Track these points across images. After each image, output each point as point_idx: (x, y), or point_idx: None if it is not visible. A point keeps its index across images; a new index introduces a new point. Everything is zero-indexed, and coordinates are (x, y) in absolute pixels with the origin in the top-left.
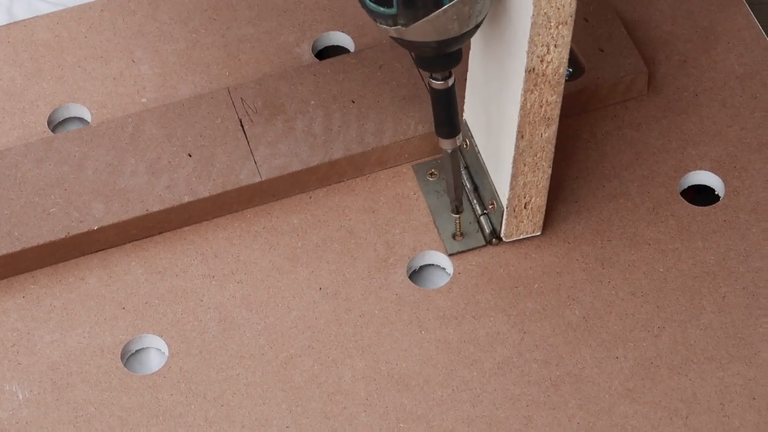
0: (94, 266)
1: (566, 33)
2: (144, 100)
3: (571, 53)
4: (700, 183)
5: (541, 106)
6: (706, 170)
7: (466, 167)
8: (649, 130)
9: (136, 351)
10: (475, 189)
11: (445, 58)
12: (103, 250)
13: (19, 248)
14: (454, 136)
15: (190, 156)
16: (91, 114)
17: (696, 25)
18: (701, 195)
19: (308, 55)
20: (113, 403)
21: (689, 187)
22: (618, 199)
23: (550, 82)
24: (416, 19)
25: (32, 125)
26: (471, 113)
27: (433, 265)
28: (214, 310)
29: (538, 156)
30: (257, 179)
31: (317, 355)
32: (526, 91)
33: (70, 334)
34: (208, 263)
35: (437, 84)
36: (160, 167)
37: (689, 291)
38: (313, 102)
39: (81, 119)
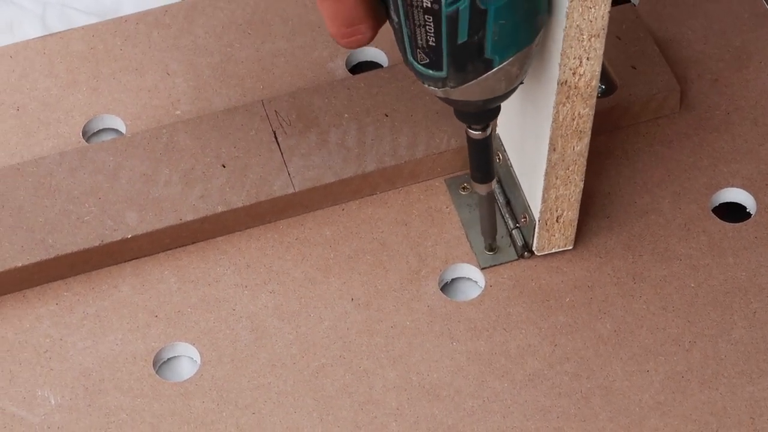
0: (127, 274)
1: (598, 46)
2: (178, 112)
3: (604, 70)
4: (732, 200)
5: (573, 119)
6: (737, 187)
7: (499, 181)
8: (681, 147)
9: (168, 359)
10: (507, 203)
11: (487, 113)
12: (136, 258)
13: (53, 255)
14: (490, 181)
15: (224, 167)
16: (126, 125)
17: (728, 44)
18: (733, 212)
19: (342, 70)
20: (145, 409)
21: (720, 204)
22: (649, 215)
23: (582, 95)
24: (465, 81)
25: (67, 135)
26: (504, 127)
27: (464, 277)
28: (246, 320)
29: (570, 169)
30: (290, 190)
31: (348, 364)
32: (558, 103)
33: (102, 341)
34: (240, 273)
35: (476, 135)
36: (194, 177)
37: (720, 306)
38: (346, 115)
39: (115, 130)
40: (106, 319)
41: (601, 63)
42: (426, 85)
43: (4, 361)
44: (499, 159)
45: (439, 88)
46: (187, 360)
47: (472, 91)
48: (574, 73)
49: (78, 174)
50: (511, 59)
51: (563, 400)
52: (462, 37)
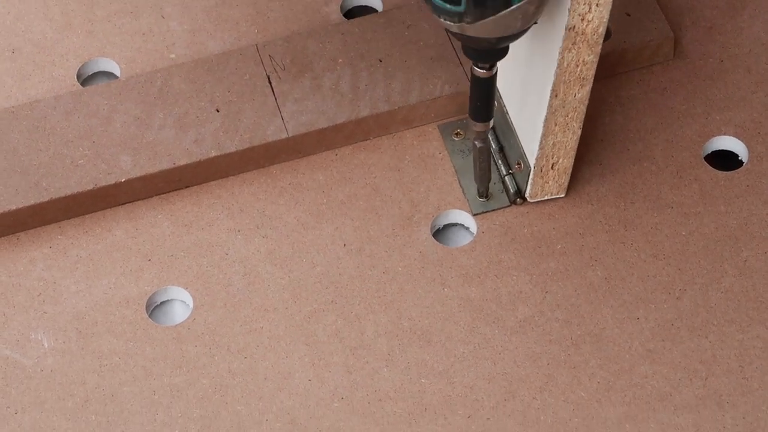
0: (120, 218)
1: None
2: (173, 55)
3: None
4: (724, 148)
5: (578, 66)
6: (730, 135)
7: (493, 128)
8: (674, 95)
9: (161, 303)
10: (501, 150)
11: (497, 52)
12: (130, 202)
13: (46, 199)
14: (488, 120)
15: (218, 111)
16: (120, 69)
17: None
18: (725, 160)
19: (336, 15)
20: (137, 353)
21: (713, 152)
22: (642, 163)
23: (588, 42)
24: (483, 17)
25: (62, 78)
26: (501, 73)
27: (457, 224)
28: (238, 264)
29: (569, 116)
30: (284, 135)
31: (340, 310)
32: (564, 49)
33: (95, 285)
34: (233, 217)
35: (481, 73)
36: (187, 122)
37: (711, 254)
38: (340, 60)
39: (110, 74)
40: (99, 262)
41: (609, 11)
42: (442, 19)
43: None
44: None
45: (455, 23)
46: (180, 304)
47: (487, 27)
48: (582, 19)
49: (72, 117)
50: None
51: (553, 346)
52: None
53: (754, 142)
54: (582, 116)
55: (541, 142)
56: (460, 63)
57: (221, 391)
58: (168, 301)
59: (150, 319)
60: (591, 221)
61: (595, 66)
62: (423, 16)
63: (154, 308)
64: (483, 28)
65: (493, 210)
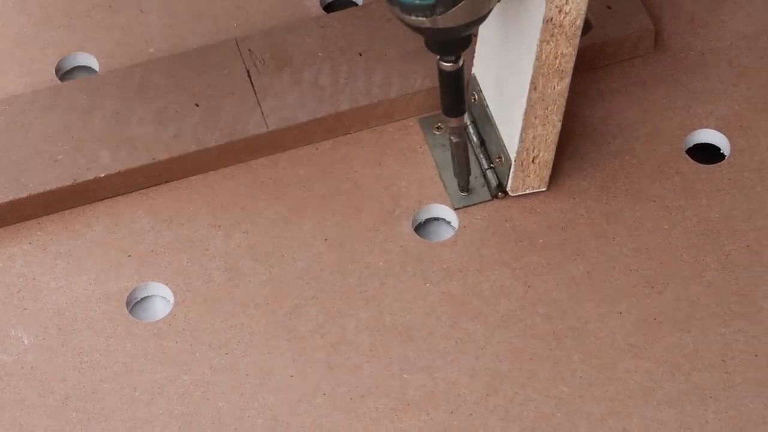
0: (100, 214)
1: None
2: (152, 50)
3: None
4: (706, 141)
5: (556, 58)
6: (711, 129)
7: (473, 121)
8: (656, 88)
9: (142, 299)
10: (482, 144)
11: (463, 41)
12: (109, 198)
13: (25, 194)
14: (462, 114)
15: (197, 106)
16: (99, 63)
17: None
18: (706, 153)
19: (316, 8)
20: (118, 349)
21: (695, 146)
22: (623, 156)
23: (566, 34)
24: (455, 3)
25: (40, 73)
26: (480, 67)
27: (438, 218)
28: (219, 259)
29: (549, 109)
30: (264, 130)
31: (322, 305)
32: (543, 41)
33: (75, 281)
34: (214, 213)
35: (448, 66)
36: (167, 116)
37: (693, 248)
38: (320, 54)
39: (89, 68)
40: (79, 258)
41: (587, 2)
42: (412, 17)
43: None
44: (474, 99)
45: (427, 17)
46: (161, 300)
47: (458, 15)
48: (560, 11)
49: (51, 113)
50: None
51: (536, 341)
52: None
53: (736, 135)
54: (562, 109)
55: (521, 136)
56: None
57: (202, 387)
58: (148, 297)
59: (130, 316)
60: (573, 215)
61: (573, 58)
62: None
63: (135, 304)
64: (455, 17)
65: (475, 204)
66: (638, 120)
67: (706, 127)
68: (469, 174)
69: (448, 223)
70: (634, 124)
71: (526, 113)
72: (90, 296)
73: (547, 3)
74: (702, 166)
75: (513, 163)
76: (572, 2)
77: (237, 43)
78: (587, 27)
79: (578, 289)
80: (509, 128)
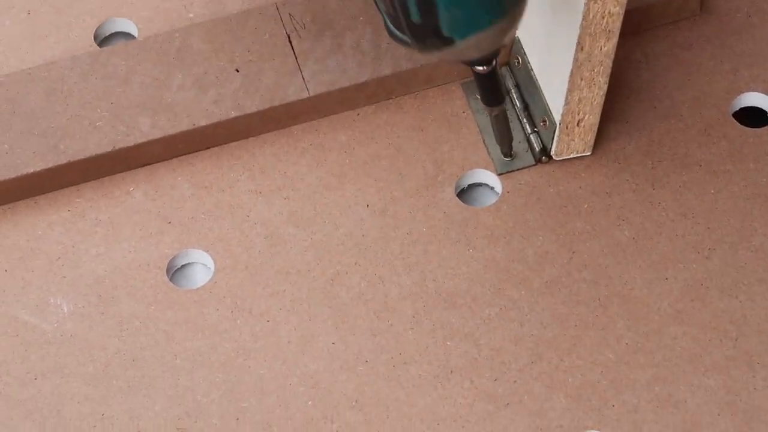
0: (140, 180)
1: None
2: (191, 15)
3: None
4: (753, 105)
5: (603, 17)
6: (758, 92)
7: (517, 85)
8: (701, 50)
9: (182, 266)
10: (526, 108)
11: (490, 56)
12: (149, 164)
13: (65, 161)
14: (500, 104)
15: (237, 71)
16: (138, 29)
17: None
18: (753, 117)
19: None
20: (158, 317)
21: (741, 109)
22: (669, 120)
23: None
24: (429, 52)
25: (78, 39)
26: (524, 29)
27: (481, 184)
28: (260, 226)
29: (595, 71)
30: (305, 95)
31: (364, 272)
32: (590, 0)
33: (115, 249)
34: (254, 179)
35: (480, 69)
36: (207, 82)
37: (740, 213)
38: (362, 18)
39: (127, 34)
40: (118, 225)
41: None
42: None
43: (16, 269)
44: (518, 62)
45: (432, 51)
46: (201, 267)
47: (441, 58)
48: None
49: (90, 79)
50: (471, 38)
51: (581, 308)
52: (415, 17)
53: None
54: (608, 71)
55: (566, 98)
56: None
57: (244, 354)
58: (189, 264)
59: (171, 283)
60: (618, 180)
61: (621, 18)
62: None
63: (175, 271)
64: (447, 56)
65: (519, 169)
66: (684, 83)
67: (753, 90)
68: (511, 140)
69: (492, 188)
70: (680, 88)
71: (572, 74)
72: (130, 264)
73: None
74: (749, 129)
75: (558, 126)
76: None
77: (277, 8)
78: None
79: (623, 255)
80: (554, 91)
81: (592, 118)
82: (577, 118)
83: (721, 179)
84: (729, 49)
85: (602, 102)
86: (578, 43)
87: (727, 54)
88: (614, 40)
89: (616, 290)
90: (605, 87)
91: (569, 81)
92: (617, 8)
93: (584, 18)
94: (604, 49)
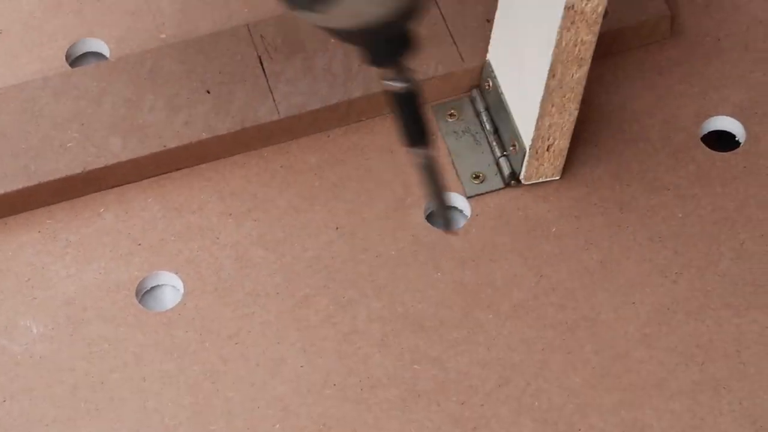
0: (110, 202)
1: None
2: (163, 35)
3: None
4: (721, 128)
5: (576, 46)
6: (727, 115)
7: (487, 108)
8: (671, 74)
9: (151, 288)
10: (496, 131)
11: (390, 44)
12: (119, 185)
13: (35, 182)
14: (424, 145)
15: (208, 92)
16: (110, 49)
17: None
18: (722, 140)
19: None
20: (127, 339)
21: (710, 132)
22: (638, 143)
23: (587, 21)
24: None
25: (50, 59)
26: (496, 53)
27: (450, 206)
28: (230, 248)
29: (566, 97)
30: (276, 117)
31: (333, 294)
32: (563, 28)
33: (85, 270)
34: (224, 201)
35: (394, 86)
36: (178, 103)
37: (708, 237)
38: (332, 40)
39: (99, 54)
40: (89, 247)
41: None
42: (297, 12)
43: None
44: (488, 86)
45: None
46: (171, 289)
47: (342, 13)
48: None
49: (61, 99)
50: None
51: (548, 331)
52: None
53: (751, 122)
54: (579, 97)
55: (537, 124)
56: (454, 42)
57: (212, 377)
58: (158, 286)
59: (140, 305)
60: (586, 203)
61: (593, 46)
62: None
63: (145, 293)
64: (318, 18)
65: (488, 192)
66: (654, 107)
67: (722, 113)
68: (443, 193)
69: (461, 211)
70: (649, 111)
71: (543, 101)
72: (100, 285)
73: None
74: (717, 153)
75: (527, 151)
76: None
77: (249, 29)
78: (603, 13)
79: (591, 279)
80: (524, 116)
81: (562, 143)
82: (546, 143)
83: (688, 203)
84: (698, 73)
85: (572, 127)
86: (550, 70)
87: (697, 77)
88: (586, 67)
89: (584, 314)
90: (576, 113)
91: (540, 107)
92: (590, 36)
93: (557, 45)
94: (576, 76)
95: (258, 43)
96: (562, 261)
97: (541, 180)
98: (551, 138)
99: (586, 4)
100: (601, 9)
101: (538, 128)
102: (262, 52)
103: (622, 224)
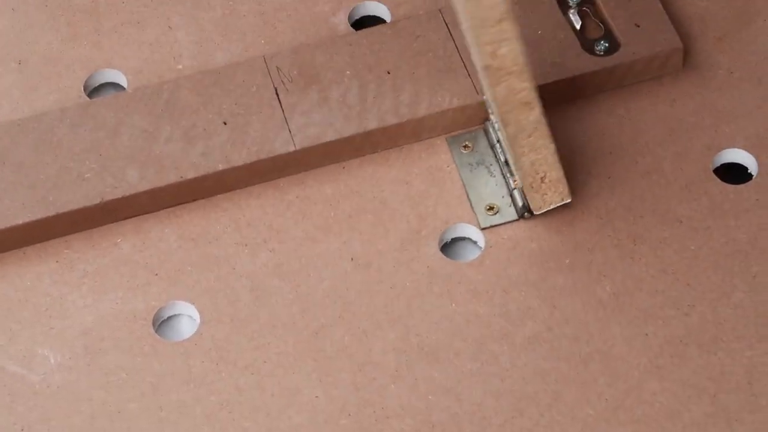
0: (127, 232)
1: (510, 28)
2: (180, 66)
3: (607, 28)
4: (734, 161)
5: (515, 94)
6: (739, 148)
7: (500, 141)
8: (684, 106)
9: (168, 318)
10: (507, 163)
11: None
12: (136, 216)
13: (53, 213)
14: None
15: (225, 124)
16: (127, 80)
17: (732, 2)
18: (734, 173)
19: (344, 25)
20: (144, 368)
21: (722, 165)
22: (651, 176)
23: (512, 72)
24: None
25: (68, 90)
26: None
27: (465, 238)
28: (246, 279)
29: (533, 137)
30: (291, 148)
31: (348, 325)
32: (492, 85)
33: (102, 300)
34: (241, 231)
35: None
36: (195, 134)
37: (720, 269)
38: (348, 72)
39: (117, 85)
40: (106, 277)
41: (521, 41)
42: None
43: (4, 320)
44: (491, 122)
45: None
46: (187, 319)
47: None
48: (494, 57)
49: (79, 130)
50: None
51: (562, 363)
52: None
53: (764, 155)
54: (546, 133)
55: (518, 164)
56: (468, 75)
57: (228, 407)
58: (175, 315)
59: (157, 335)
60: (599, 236)
61: (533, 89)
62: (431, 26)
63: (161, 323)
64: None
65: (502, 224)
66: (667, 139)
67: (734, 146)
68: None
69: (475, 243)
70: (662, 144)
71: (512, 146)
72: (117, 315)
73: (479, 53)
74: (729, 186)
75: (523, 186)
76: (504, 46)
77: (265, 61)
78: (615, 45)
79: (604, 311)
80: (510, 155)
81: (554, 174)
82: (538, 176)
83: (701, 235)
84: (711, 105)
85: (557, 157)
86: (502, 121)
87: (709, 110)
88: (537, 108)
89: (597, 346)
90: (552, 145)
91: (512, 151)
92: (524, 83)
93: (494, 100)
94: (531, 118)
95: (274, 75)
96: (576, 293)
97: (552, 206)
98: (541, 171)
99: (503, 59)
100: (521, 59)
101: (521, 167)
102: (278, 83)
103: (635, 256)
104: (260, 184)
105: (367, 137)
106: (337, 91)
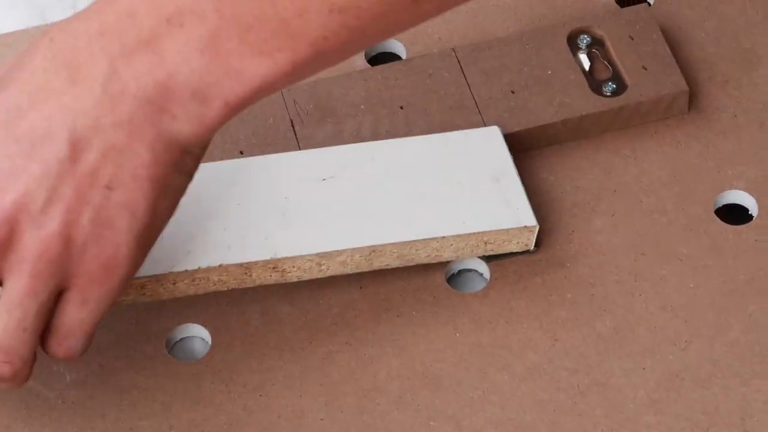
0: None
1: None
2: None
3: (615, 70)
4: (735, 202)
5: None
6: (740, 190)
7: None
8: (688, 148)
9: (181, 339)
10: None
11: None
12: None
13: None
14: None
15: (241, 153)
16: None
17: (739, 47)
18: (735, 214)
19: (361, 61)
20: (157, 388)
21: (723, 206)
22: (654, 215)
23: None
24: None
25: None
26: None
27: (471, 269)
28: (257, 303)
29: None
30: None
31: (355, 351)
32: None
33: (118, 321)
34: None
35: None
36: None
37: (717, 308)
38: (362, 106)
39: None
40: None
41: None
42: None
43: None
44: None
45: None
46: (199, 341)
47: None
48: None
49: None
50: None
51: (561, 394)
52: None
53: (764, 197)
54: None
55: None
56: (479, 111)
57: (237, 427)
58: (187, 338)
59: (169, 356)
60: (602, 272)
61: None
62: (444, 65)
63: (174, 345)
64: None
65: (507, 257)
66: (670, 180)
67: (736, 188)
68: None
69: (480, 274)
70: (666, 184)
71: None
72: (131, 336)
73: None
74: (729, 226)
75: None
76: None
77: (282, 94)
78: (623, 87)
79: (605, 345)
80: None
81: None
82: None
83: (700, 274)
84: (714, 148)
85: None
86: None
87: (712, 152)
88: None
89: (596, 378)
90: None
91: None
92: (397, 261)
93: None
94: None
95: (290, 108)
96: (576, 327)
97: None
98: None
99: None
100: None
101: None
102: (294, 116)
103: (635, 292)
104: None
105: None
106: (351, 125)
